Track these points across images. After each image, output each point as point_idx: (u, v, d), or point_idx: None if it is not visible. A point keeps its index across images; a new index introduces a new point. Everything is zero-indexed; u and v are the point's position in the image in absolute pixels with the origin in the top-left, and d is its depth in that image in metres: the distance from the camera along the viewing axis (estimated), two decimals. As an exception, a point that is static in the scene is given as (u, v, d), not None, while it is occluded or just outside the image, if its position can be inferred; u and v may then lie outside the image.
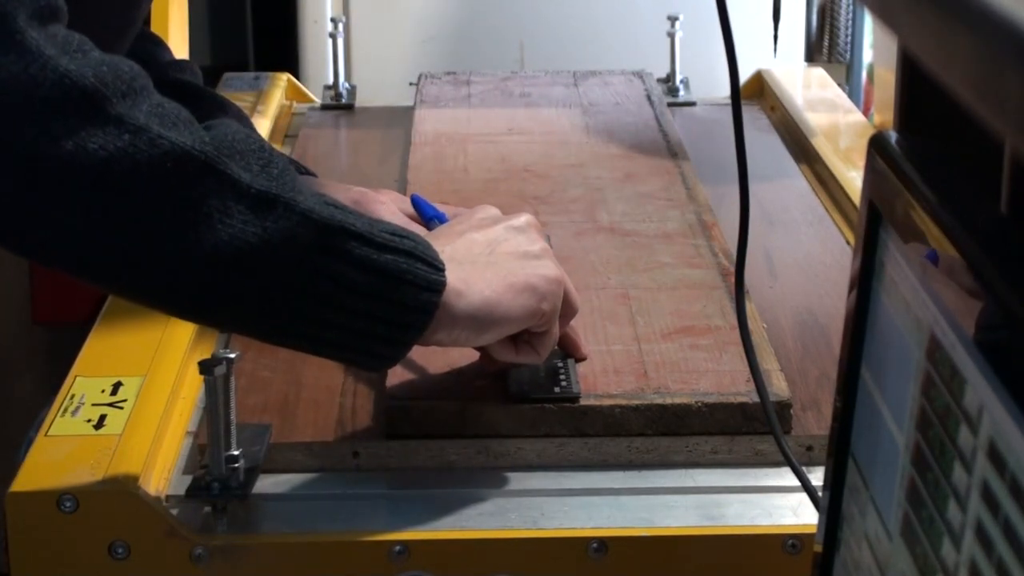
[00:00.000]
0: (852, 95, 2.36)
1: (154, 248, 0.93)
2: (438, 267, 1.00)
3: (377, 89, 2.05)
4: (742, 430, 1.09)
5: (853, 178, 1.54)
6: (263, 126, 1.71)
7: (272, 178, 0.95)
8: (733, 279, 1.16)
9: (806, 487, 1.01)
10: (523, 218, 1.10)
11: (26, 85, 0.90)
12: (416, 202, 1.26)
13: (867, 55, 2.46)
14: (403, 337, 1.00)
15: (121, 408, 1.10)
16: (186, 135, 0.93)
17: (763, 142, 1.73)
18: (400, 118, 1.78)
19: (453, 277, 1.01)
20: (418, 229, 1.13)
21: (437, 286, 1.00)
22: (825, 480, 0.76)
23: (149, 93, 0.94)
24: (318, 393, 1.14)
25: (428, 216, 1.24)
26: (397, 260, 0.98)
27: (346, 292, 0.97)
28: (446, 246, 1.04)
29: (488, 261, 1.05)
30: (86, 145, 0.90)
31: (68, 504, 1.00)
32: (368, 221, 0.99)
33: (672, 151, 1.60)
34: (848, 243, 1.42)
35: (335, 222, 0.96)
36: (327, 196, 0.99)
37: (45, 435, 1.07)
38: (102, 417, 1.09)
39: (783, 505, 1.05)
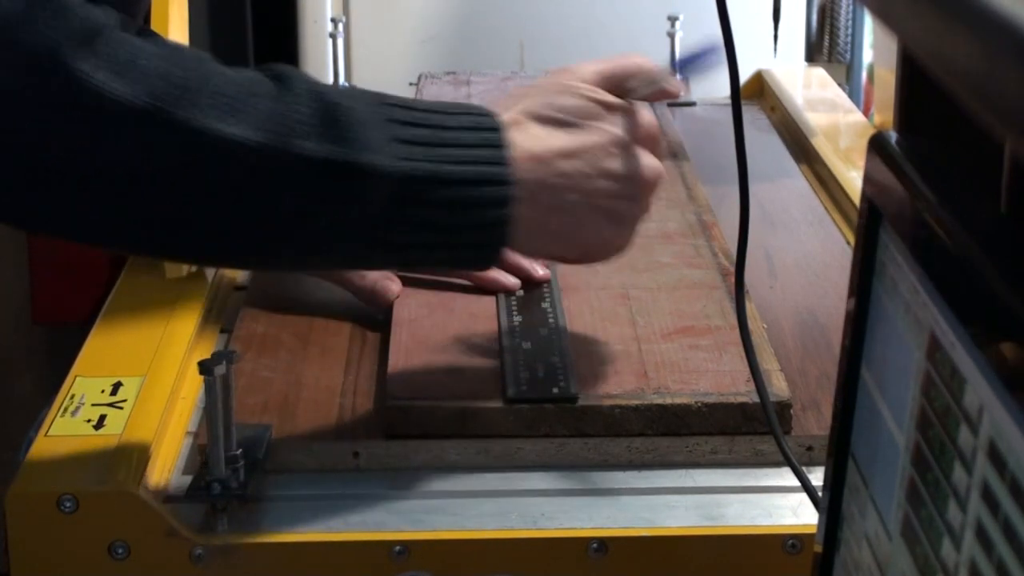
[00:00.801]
0: (852, 95, 2.35)
1: (229, 243, 0.98)
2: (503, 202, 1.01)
3: (377, 89, 2.05)
4: (742, 430, 1.09)
5: (853, 178, 1.54)
6: (263, 126, 1.71)
7: (337, 140, 0.96)
8: (733, 279, 1.16)
9: (806, 487, 1.01)
10: (651, 176, 1.07)
11: (83, 115, 0.91)
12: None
13: (867, 55, 2.46)
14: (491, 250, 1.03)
15: (121, 408, 1.10)
16: (246, 125, 0.94)
17: (763, 142, 1.73)
18: (400, 118, 1.78)
19: (521, 216, 1.02)
20: None
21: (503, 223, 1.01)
22: (825, 480, 0.76)
23: (205, 81, 0.94)
24: (318, 393, 1.14)
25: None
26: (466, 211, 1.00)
27: (423, 230, 1.00)
28: (528, 172, 1.02)
29: (568, 209, 1.04)
30: (150, 160, 0.93)
31: (68, 504, 1.00)
32: (436, 153, 0.99)
33: (672, 151, 1.60)
34: (848, 243, 1.42)
35: (406, 174, 0.98)
36: (396, 121, 0.99)
37: (45, 435, 1.07)
38: (102, 417, 1.09)
39: (783, 505, 1.05)
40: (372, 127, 0.98)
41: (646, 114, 1.08)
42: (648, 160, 1.07)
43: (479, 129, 1.01)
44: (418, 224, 0.99)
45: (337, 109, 0.97)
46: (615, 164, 1.05)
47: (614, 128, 1.06)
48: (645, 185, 1.06)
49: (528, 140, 1.03)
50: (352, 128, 0.97)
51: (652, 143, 1.08)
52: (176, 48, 0.96)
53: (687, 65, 1.14)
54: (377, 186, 0.97)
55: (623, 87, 1.08)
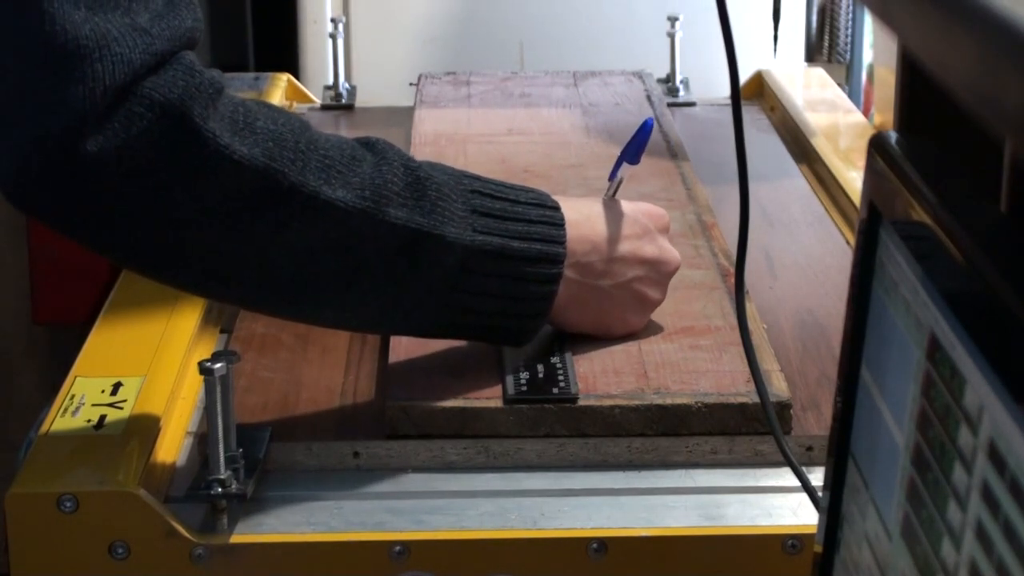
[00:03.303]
0: (852, 95, 2.35)
1: (311, 296, 1.05)
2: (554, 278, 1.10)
3: (377, 89, 2.05)
4: (742, 430, 1.09)
5: (853, 178, 1.54)
6: (263, 126, 1.71)
7: (424, 212, 1.05)
8: (733, 279, 1.16)
9: (806, 487, 1.01)
10: (675, 264, 1.18)
11: (207, 170, 0.97)
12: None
13: (867, 55, 2.46)
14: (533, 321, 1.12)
15: (121, 408, 1.10)
16: (349, 190, 1.02)
17: (763, 142, 1.73)
18: (400, 118, 1.78)
19: (563, 291, 1.11)
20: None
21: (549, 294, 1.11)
22: (825, 480, 0.76)
23: (313, 145, 1.02)
24: (318, 393, 1.14)
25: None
26: (523, 269, 1.09)
27: (481, 297, 1.08)
28: (583, 253, 1.12)
29: (605, 291, 1.14)
30: (261, 215, 1.00)
31: (68, 504, 1.00)
32: (506, 227, 1.08)
33: (672, 151, 1.60)
34: (848, 243, 1.42)
35: (476, 245, 1.07)
36: (476, 192, 1.09)
37: (45, 435, 1.07)
38: (102, 417, 1.09)
39: (783, 505, 1.05)
40: (454, 199, 1.07)
41: (660, 208, 1.19)
42: (670, 246, 1.18)
43: (542, 206, 1.11)
44: (477, 292, 1.08)
45: (426, 182, 1.05)
46: (649, 251, 1.16)
47: (646, 220, 1.17)
48: (670, 272, 1.18)
49: (582, 222, 1.13)
50: (437, 201, 1.05)
51: (667, 232, 1.18)
52: (279, 110, 1.03)
53: (630, 153, 1.20)
54: (452, 254, 1.06)
55: None
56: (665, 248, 1.17)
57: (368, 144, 1.07)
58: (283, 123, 1.02)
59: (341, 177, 1.02)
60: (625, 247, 1.15)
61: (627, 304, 1.16)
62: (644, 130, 1.18)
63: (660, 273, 1.17)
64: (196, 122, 0.97)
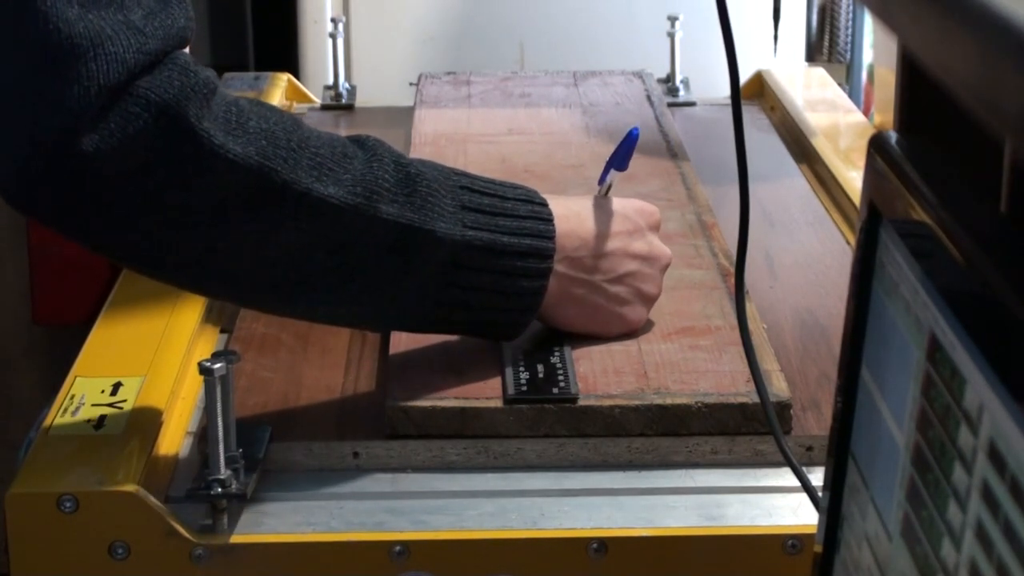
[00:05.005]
0: (852, 95, 2.35)
1: (302, 291, 1.05)
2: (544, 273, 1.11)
3: (377, 89, 2.05)
4: (742, 430, 1.09)
5: (853, 178, 1.54)
6: (263, 126, 1.71)
7: (415, 207, 1.06)
8: (733, 279, 1.16)
9: (806, 487, 1.01)
10: (666, 260, 1.18)
11: (201, 168, 0.98)
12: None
13: (867, 55, 2.46)
14: (522, 316, 1.12)
15: (121, 408, 1.10)
16: (341, 187, 1.03)
17: (763, 142, 1.73)
18: (400, 118, 1.78)
19: (554, 287, 1.12)
20: None
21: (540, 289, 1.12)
22: (825, 480, 0.76)
23: (305, 143, 1.02)
24: (318, 393, 1.14)
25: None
26: (514, 264, 1.09)
27: (472, 291, 1.09)
28: (573, 249, 1.13)
29: (597, 286, 1.14)
30: (254, 213, 1.00)
31: (68, 504, 1.00)
32: (495, 223, 1.09)
33: (672, 151, 1.60)
34: (848, 243, 1.42)
35: (465, 240, 1.07)
36: (465, 188, 1.09)
37: (45, 435, 1.07)
38: (102, 417, 1.09)
39: (783, 505, 1.05)
40: (444, 195, 1.08)
41: (651, 205, 1.20)
42: (660, 243, 1.18)
43: (530, 202, 1.12)
44: (468, 286, 1.09)
45: (417, 178, 1.06)
46: (639, 246, 1.16)
47: (636, 217, 1.17)
48: (661, 267, 1.18)
49: (571, 218, 1.14)
50: (428, 196, 1.06)
51: (658, 229, 1.19)
52: (271, 108, 1.04)
53: (617, 160, 1.20)
54: (442, 249, 1.07)
55: None
56: (655, 244, 1.18)
57: (359, 141, 1.07)
58: (275, 121, 1.02)
59: (333, 174, 1.03)
60: (615, 243, 1.15)
61: (620, 300, 1.16)
62: (629, 139, 1.20)
63: (652, 268, 1.17)
64: (191, 122, 0.97)
